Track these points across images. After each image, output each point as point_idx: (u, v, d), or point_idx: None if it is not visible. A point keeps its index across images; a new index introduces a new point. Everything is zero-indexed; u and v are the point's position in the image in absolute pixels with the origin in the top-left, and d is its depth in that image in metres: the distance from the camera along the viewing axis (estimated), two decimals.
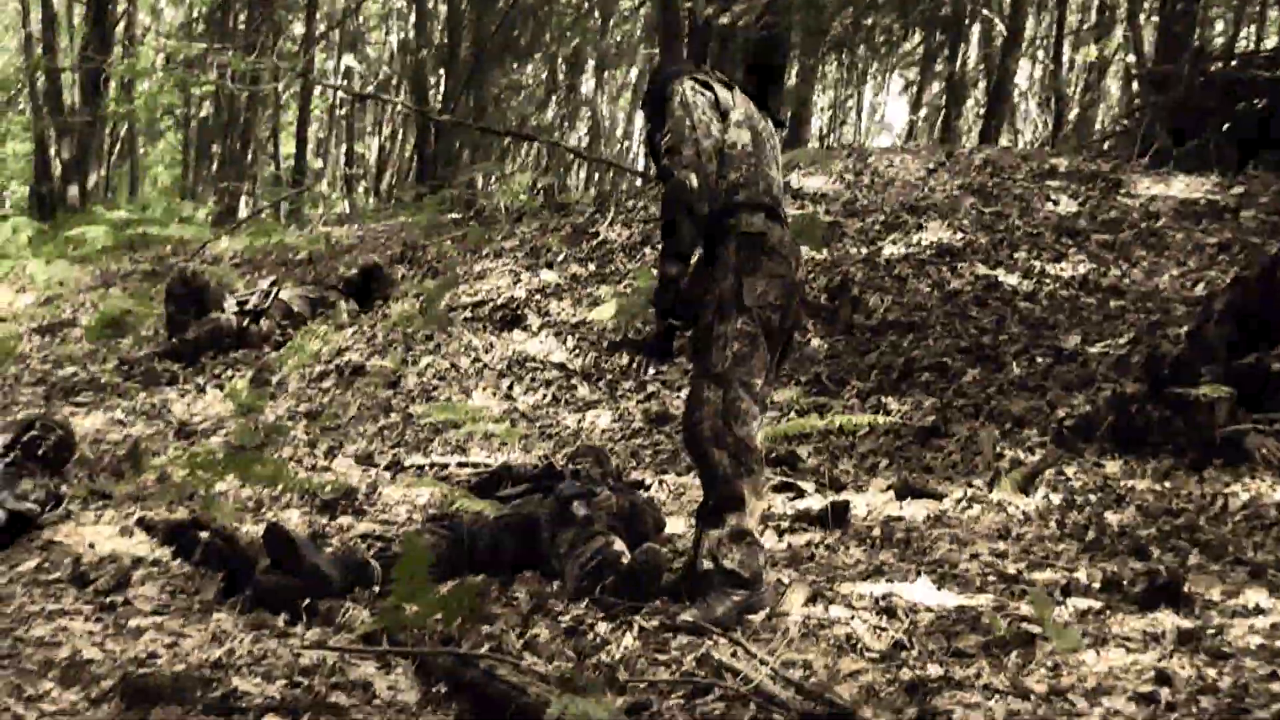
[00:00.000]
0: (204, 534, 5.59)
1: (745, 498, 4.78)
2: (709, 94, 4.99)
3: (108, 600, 4.96)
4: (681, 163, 4.78)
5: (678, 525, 6.11)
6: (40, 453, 6.41)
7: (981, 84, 27.07)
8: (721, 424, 4.78)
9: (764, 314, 4.86)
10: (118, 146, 32.32)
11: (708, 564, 4.79)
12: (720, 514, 4.80)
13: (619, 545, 5.14)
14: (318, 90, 30.12)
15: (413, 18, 28.52)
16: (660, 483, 7.15)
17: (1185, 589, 4.67)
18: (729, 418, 4.78)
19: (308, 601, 4.77)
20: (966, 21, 24.74)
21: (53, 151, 25.26)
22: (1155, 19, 20.87)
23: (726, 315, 4.84)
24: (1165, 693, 3.73)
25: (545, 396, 9.34)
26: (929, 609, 4.77)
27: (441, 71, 26.51)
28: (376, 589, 4.96)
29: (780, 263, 4.94)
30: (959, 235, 11.60)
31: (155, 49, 30.32)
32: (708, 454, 4.82)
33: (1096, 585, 4.96)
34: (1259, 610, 4.53)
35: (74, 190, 24.88)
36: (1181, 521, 5.74)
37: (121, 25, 27.89)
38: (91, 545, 5.81)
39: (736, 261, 4.86)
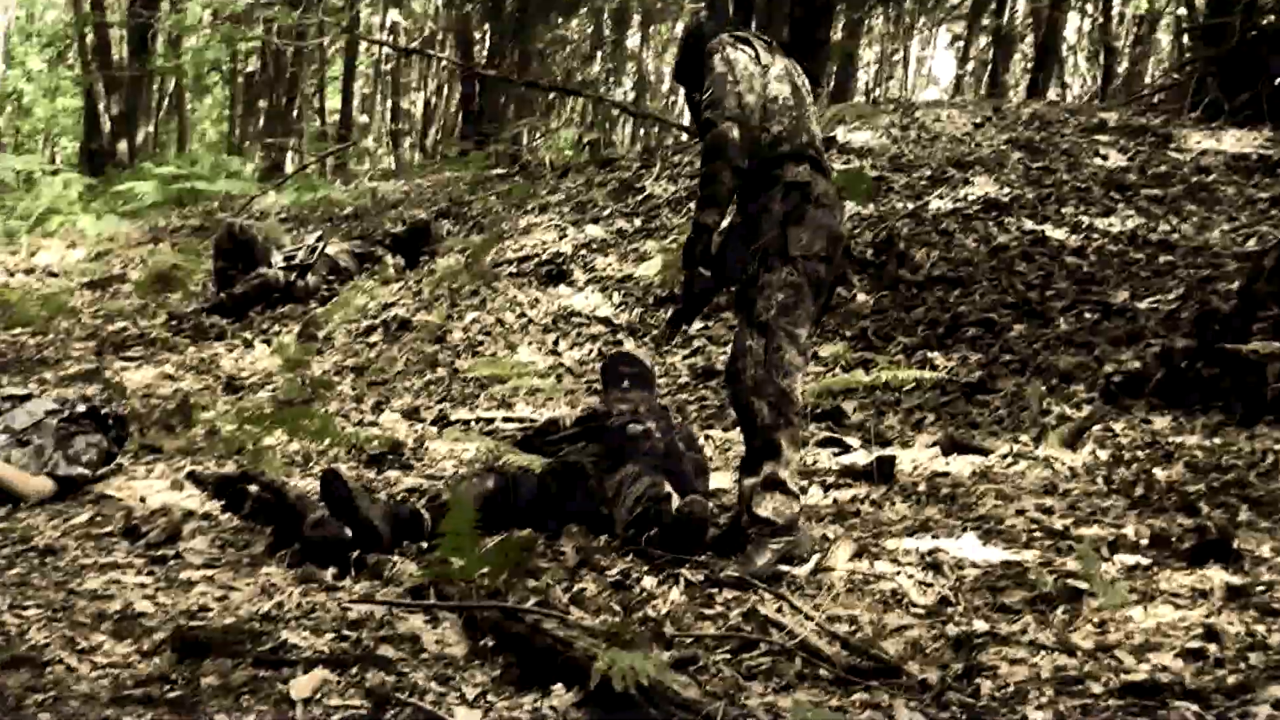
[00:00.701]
0: (253, 488, 5.63)
1: (782, 447, 4.79)
2: (749, 50, 5.00)
3: (159, 553, 5.01)
4: (725, 115, 4.79)
5: (723, 480, 6.11)
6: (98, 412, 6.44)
7: (1029, 37, 26.83)
8: (763, 373, 4.80)
9: (809, 264, 4.86)
10: (165, 102, 32.46)
11: (745, 514, 4.82)
12: (757, 462, 4.82)
13: (666, 487, 5.15)
14: (363, 45, 30.13)
15: None
16: (706, 437, 7.15)
17: (1234, 545, 4.65)
18: (771, 368, 4.80)
19: (356, 555, 4.80)
20: None
21: (101, 107, 25.34)
22: None
23: (772, 265, 4.85)
24: (1213, 649, 3.72)
25: (591, 351, 9.33)
26: (975, 564, 4.77)
27: (487, 26, 26.42)
28: (425, 544, 4.99)
29: (826, 212, 4.95)
30: (1006, 190, 11.51)
31: (202, 4, 30.35)
32: (749, 403, 4.84)
33: (1144, 541, 4.94)
34: None
35: (123, 146, 25.00)
36: (1231, 477, 5.70)
37: None
38: (142, 499, 5.87)
39: (782, 211, 4.87)
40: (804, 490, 6.00)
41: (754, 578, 4.56)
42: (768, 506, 4.75)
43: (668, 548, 4.87)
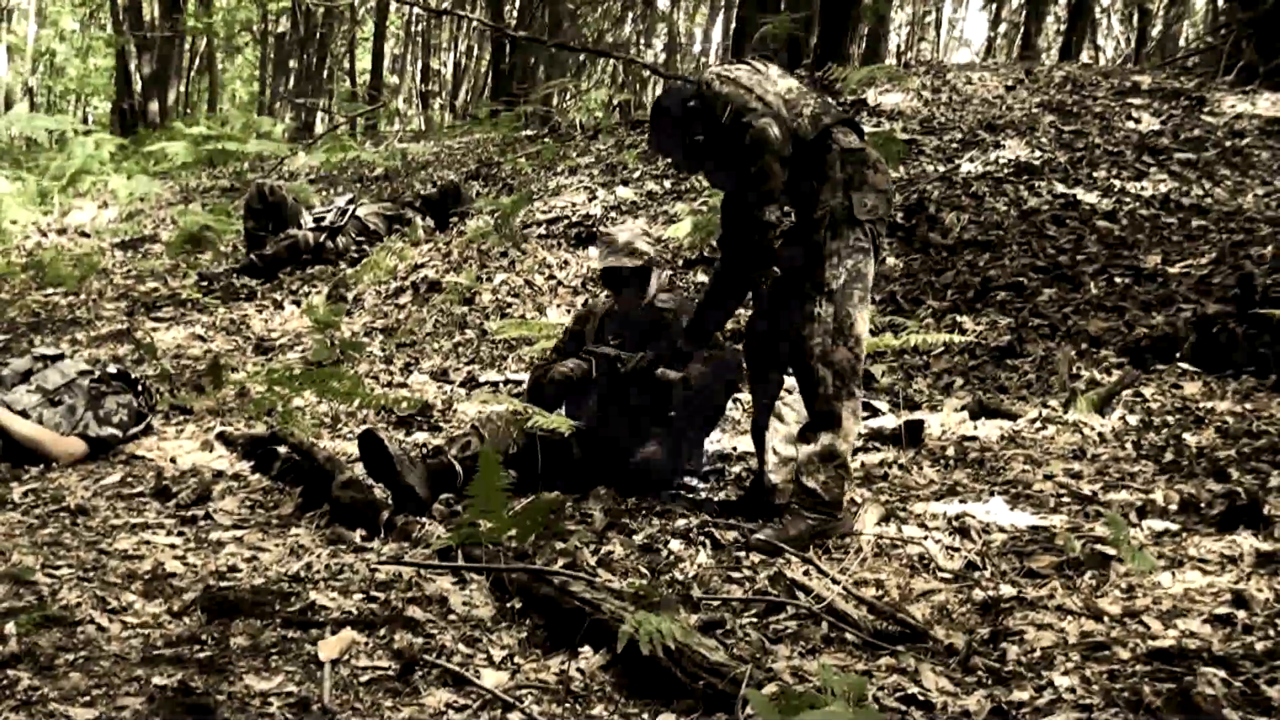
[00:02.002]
0: (282, 449, 5.67)
1: (843, 419, 4.78)
2: (739, 68, 5.02)
3: (189, 514, 5.05)
4: (758, 116, 4.77)
5: (747, 443, 6.11)
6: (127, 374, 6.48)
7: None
8: (831, 342, 4.77)
9: (875, 228, 4.88)
10: (196, 62, 32.51)
11: (789, 480, 4.83)
12: (815, 431, 4.81)
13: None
14: (394, 6, 30.09)
15: None
16: (734, 400, 7.16)
17: (1264, 511, 4.63)
18: (839, 336, 4.78)
19: (385, 517, 4.83)
20: None
21: (133, 67, 25.42)
22: None
23: (839, 231, 4.83)
24: (1242, 615, 3.71)
25: None
26: (1002, 529, 4.77)
27: None
28: (457, 499, 5.03)
29: (882, 175, 4.95)
30: (1037, 153, 11.46)
31: None
32: (814, 370, 4.80)
33: (1173, 507, 4.93)
34: None
35: (154, 106, 25.09)
36: (1262, 443, 5.68)
37: None
38: (173, 459, 5.91)
39: (844, 177, 4.86)
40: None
41: (785, 543, 4.56)
42: (818, 479, 4.73)
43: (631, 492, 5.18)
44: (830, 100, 5.06)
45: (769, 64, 5.14)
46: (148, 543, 4.63)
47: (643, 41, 30.87)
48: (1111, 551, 4.25)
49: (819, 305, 4.81)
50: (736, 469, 5.93)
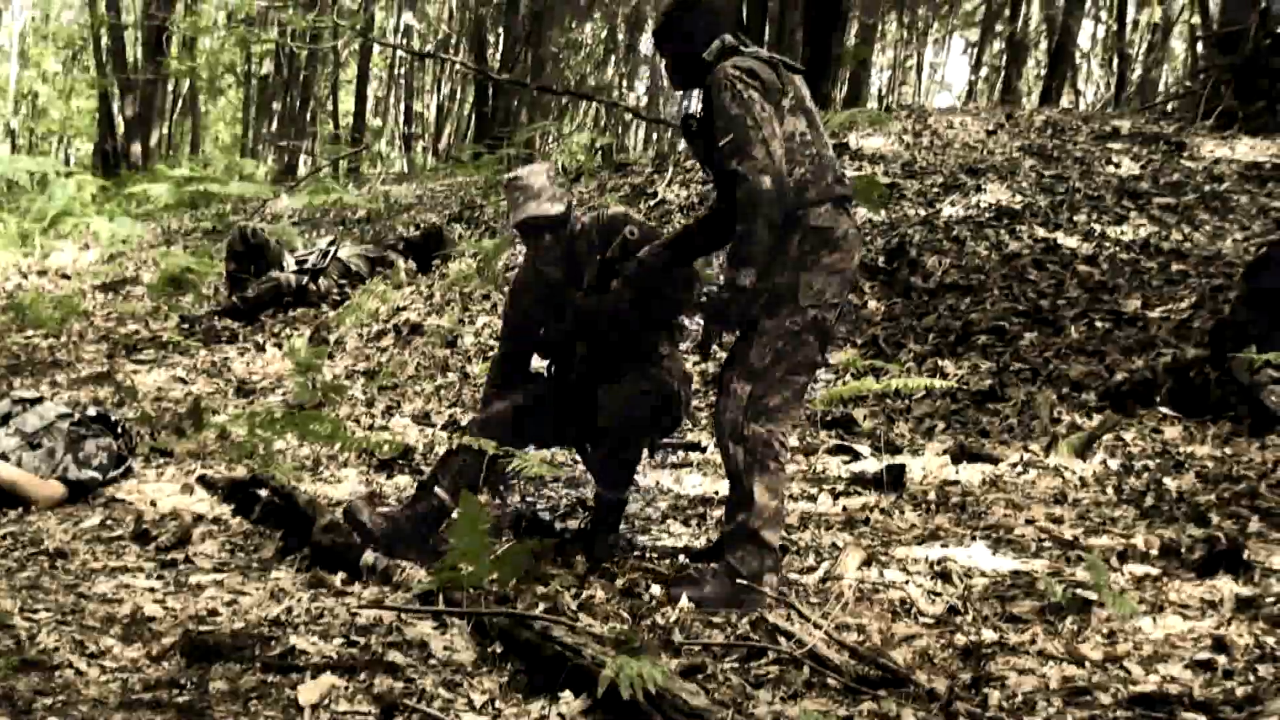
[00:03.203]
0: (263, 492, 5.66)
1: (755, 496, 4.63)
2: (757, 82, 4.65)
3: (169, 557, 5.03)
4: (756, 167, 4.48)
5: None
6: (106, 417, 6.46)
7: (1043, 44, 26.85)
8: (743, 419, 4.63)
9: (818, 312, 4.65)
10: (179, 104, 32.57)
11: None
12: (734, 509, 4.70)
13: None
14: (377, 48, 30.20)
15: None
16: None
17: (1244, 555, 4.65)
18: (751, 414, 4.63)
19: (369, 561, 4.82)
20: None
21: (116, 108, 25.48)
22: None
23: (775, 311, 4.63)
24: (1223, 660, 3.72)
25: None
26: (984, 573, 4.77)
27: (500, 30, 26.50)
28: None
29: (841, 256, 4.69)
30: (1018, 197, 11.51)
31: (217, 6, 30.45)
32: (725, 447, 4.70)
33: (1154, 551, 4.94)
34: None
35: (137, 147, 25.12)
36: (1242, 488, 5.70)
37: None
38: (153, 502, 5.89)
39: (797, 255, 4.63)
40: (813, 498, 6.03)
41: (696, 602, 4.52)
42: (735, 555, 4.63)
43: None
44: (828, 162, 4.77)
45: (794, 77, 4.83)
46: (127, 586, 4.62)
47: (625, 85, 31.02)
48: (1093, 596, 4.26)
49: (737, 382, 4.67)
50: (717, 513, 5.92)
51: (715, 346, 5.05)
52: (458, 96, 33.48)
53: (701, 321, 4.91)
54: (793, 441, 4.83)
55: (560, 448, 5.93)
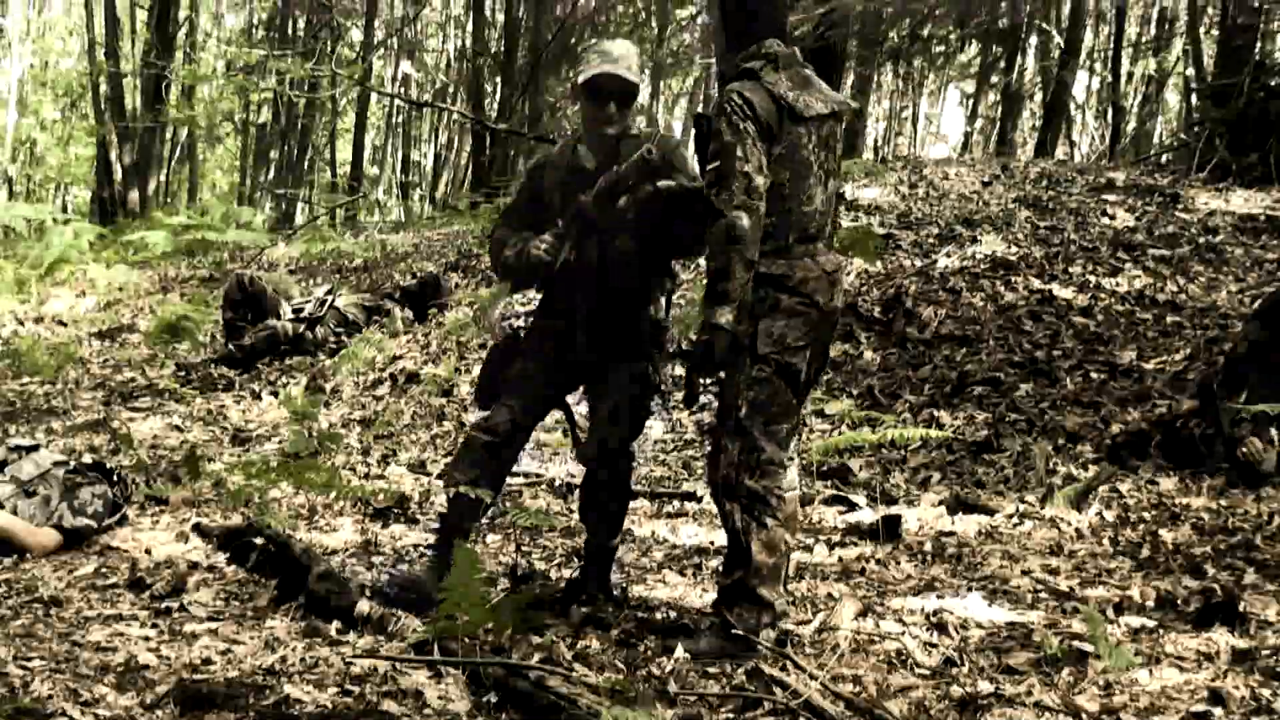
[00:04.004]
0: (258, 540, 5.64)
1: (752, 553, 4.61)
2: (752, 114, 4.53)
3: (163, 605, 5.01)
4: (733, 202, 4.44)
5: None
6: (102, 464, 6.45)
7: (1038, 96, 26.97)
8: (735, 475, 4.62)
9: (782, 358, 4.61)
10: (178, 151, 32.62)
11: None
12: (730, 566, 4.68)
13: None
14: (375, 97, 30.29)
15: (470, 26, 28.60)
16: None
17: (1240, 608, 4.65)
18: (744, 469, 4.62)
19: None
20: (1023, 33, 24.63)
21: (114, 156, 25.50)
22: (1215, 32, 20.71)
23: (738, 363, 4.61)
24: (1218, 713, 3.72)
25: None
26: (980, 625, 4.76)
27: (498, 79, 26.59)
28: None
29: (800, 300, 4.63)
30: (1014, 248, 11.56)
31: (216, 55, 30.58)
32: (720, 504, 4.70)
33: (1150, 603, 4.94)
34: None
35: (134, 195, 25.14)
36: (1237, 540, 5.71)
37: (183, 31, 28.22)
38: (148, 550, 5.87)
39: (754, 300, 4.57)
40: (809, 549, 6.02)
41: (693, 656, 4.51)
42: (732, 612, 4.61)
43: None
44: (798, 218, 4.66)
45: (797, 128, 4.65)
46: (121, 634, 4.60)
47: None
48: (1089, 648, 4.26)
49: (726, 438, 4.66)
50: (714, 563, 5.91)
51: (701, 396, 5.02)
52: (455, 145, 33.56)
53: (684, 371, 4.89)
54: (793, 476, 4.77)
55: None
